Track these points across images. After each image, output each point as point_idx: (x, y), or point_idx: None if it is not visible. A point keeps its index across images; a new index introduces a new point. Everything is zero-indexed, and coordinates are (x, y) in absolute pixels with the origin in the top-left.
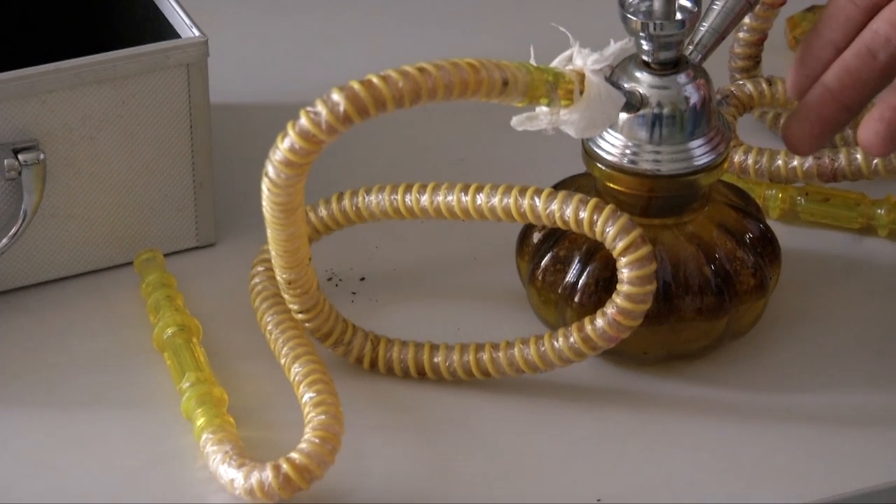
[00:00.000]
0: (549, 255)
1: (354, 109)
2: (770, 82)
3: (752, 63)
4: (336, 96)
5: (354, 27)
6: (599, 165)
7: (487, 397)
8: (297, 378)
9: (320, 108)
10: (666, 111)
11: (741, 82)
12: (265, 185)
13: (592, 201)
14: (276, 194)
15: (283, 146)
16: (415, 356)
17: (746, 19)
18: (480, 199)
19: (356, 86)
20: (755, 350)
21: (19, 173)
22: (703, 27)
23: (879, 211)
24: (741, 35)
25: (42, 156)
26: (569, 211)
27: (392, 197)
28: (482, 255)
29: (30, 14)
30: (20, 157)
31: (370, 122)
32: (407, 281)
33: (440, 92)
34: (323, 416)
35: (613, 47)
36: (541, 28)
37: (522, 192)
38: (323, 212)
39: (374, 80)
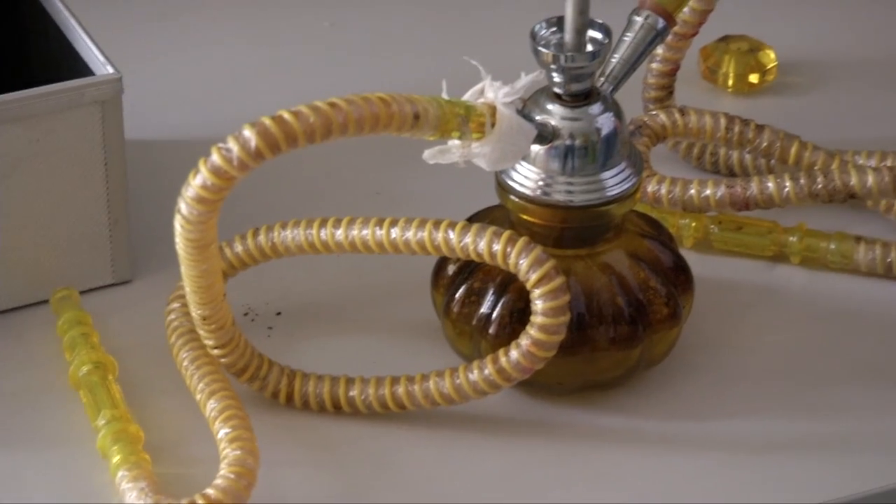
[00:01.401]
0: (463, 287)
1: (266, 145)
2: (683, 112)
3: (665, 93)
4: (247, 132)
5: (268, 63)
6: (512, 197)
7: (404, 430)
8: (212, 414)
9: (232, 144)
10: (578, 143)
11: (654, 113)
12: (178, 222)
13: (506, 233)
14: (189, 231)
15: (195, 183)
16: (330, 390)
17: (659, 50)
18: (395, 232)
19: (267, 122)
20: (670, 378)
21: None
22: (615, 59)
23: (791, 238)
24: (654, 66)
25: None
26: (482, 243)
27: (307, 232)
28: (398, 287)
29: None
30: None
31: (288, 156)
32: (323, 315)
33: (351, 127)
34: (238, 452)
35: (524, 80)
36: (453, 61)
37: (437, 225)
38: (239, 247)
39: (286, 115)
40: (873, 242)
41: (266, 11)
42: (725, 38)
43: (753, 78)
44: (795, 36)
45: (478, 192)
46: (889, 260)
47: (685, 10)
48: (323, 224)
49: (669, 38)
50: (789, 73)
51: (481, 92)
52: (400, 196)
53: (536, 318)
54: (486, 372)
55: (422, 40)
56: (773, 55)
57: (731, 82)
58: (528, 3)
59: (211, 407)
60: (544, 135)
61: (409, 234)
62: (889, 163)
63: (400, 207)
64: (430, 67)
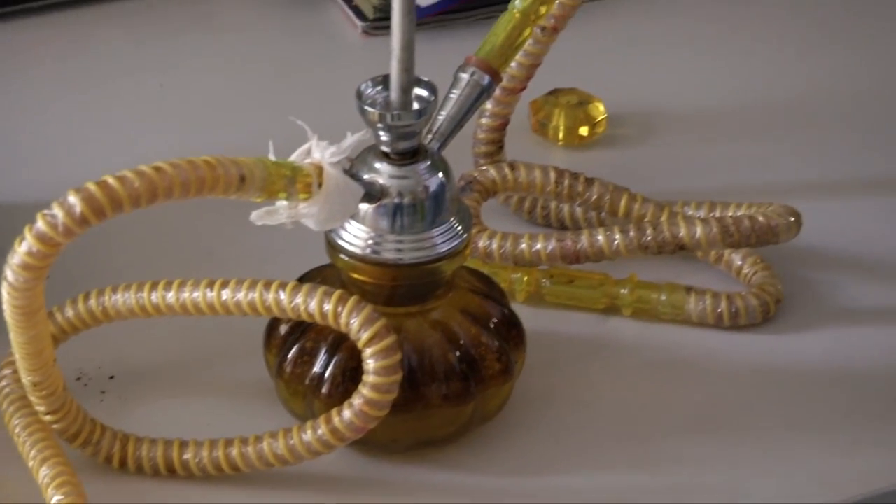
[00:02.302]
0: (295, 347)
1: (91, 211)
2: (513, 167)
3: (495, 148)
4: (72, 198)
5: (99, 124)
6: (342, 256)
7: (238, 492)
8: (45, 481)
9: (56, 210)
10: (406, 201)
11: (484, 168)
12: (4, 289)
13: (336, 293)
14: (16, 298)
15: (21, 250)
16: (164, 453)
17: (488, 105)
18: (226, 294)
19: (92, 187)
20: (504, 433)
21: None
22: (442, 116)
23: (623, 291)
24: (483, 120)
25: None
26: (313, 303)
27: (139, 295)
28: (231, 349)
29: None
30: None
31: (119, 217)
32: (156, 378)
33: (177, 191)
34: None
35: (351, 139)
36: (281, 122)
37: (267, 286)
38: (70, 312)
39: (110, 180)
40: (703, 293)
41: (96, 72)
42: (555, 92)
43: (583, 130)
44: (624, 88)
45: (309, 250)
46: (719, 310)
47: (513, 64)
48: (154, 287)
49: (498, 92)
50: (619, 126)
51: (308, 152)
52: (232, 256)
53: (368, 378)
54: (320, 432)
55: (250, 100)
56: (602, 108)
57: (561, 135)
58: (354, 62)
59: (43, 474)
60: (372, 193)
61: (241, 296)
62: (717, 213)
63: (232, 267)
64: (259, 128)
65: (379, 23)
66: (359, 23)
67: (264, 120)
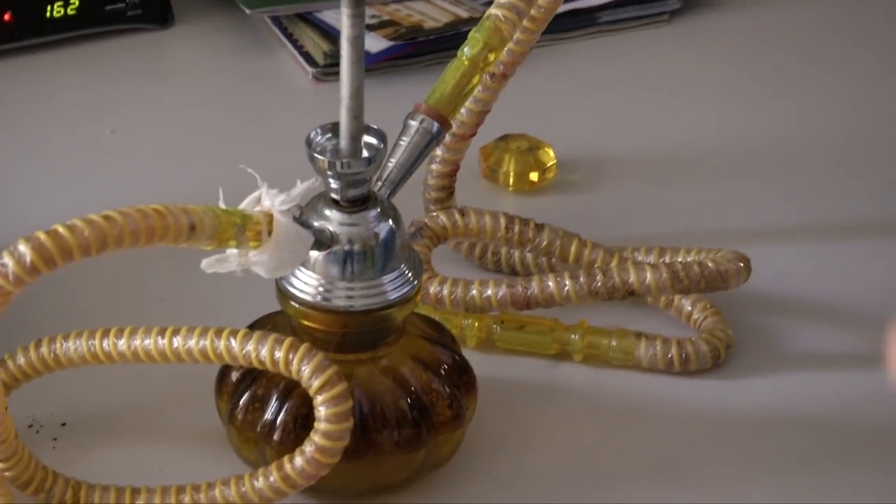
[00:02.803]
0: (247, 393)
1: (41, 260)
2: (463, 213)
3: (445, 194)
4: (22, 247)
5: (50, 170)
6: (293, 303)
7: None
8: None
9: (6, 259)
10: (357, 248)
11: (434, 214)
12: None
13: (287, 341)
14: None
15: None
16: (116, 500)
17: (438, 151)
18: (178, 341)
19: (42, 236)
20: (456, 479)
21: None
22: (391, 163)
23: (573, 336)
24: (434, 167)
25: None
26: (264, 351)
27: (90, 343)
28: (183, 395)
29: None
30: None
31: (73, 265)
32: (109, 424)
33: (127, 239)
34: None
35: (300, 187)
36: (231, 168)
37: (218, 333)
38: (21, 360)
39: (60, 229)
40: (654, 338)
41: (46, 117)
42: (505, 137)
43: (534, 176)
44: (573, 133)
45: (260, 297)
46: (670, 355)
47: (462, 111)
48: (105, 335)
49: (448, 139)
50: (569, 171)
51: (258, 200)
52: (183, 303)
53: (320, 425)
54: (272, 479)
55: (202, 146)
56: (551, 153)
57: (511, 181)
58: (305, 108)
59: None
60: (322, 241)
61: (192, 343)
62: (667, 259)
63: (183, 315)
64: (211, 173)
65: (329, 69)
66: (309, 68)
67: (216, 165)
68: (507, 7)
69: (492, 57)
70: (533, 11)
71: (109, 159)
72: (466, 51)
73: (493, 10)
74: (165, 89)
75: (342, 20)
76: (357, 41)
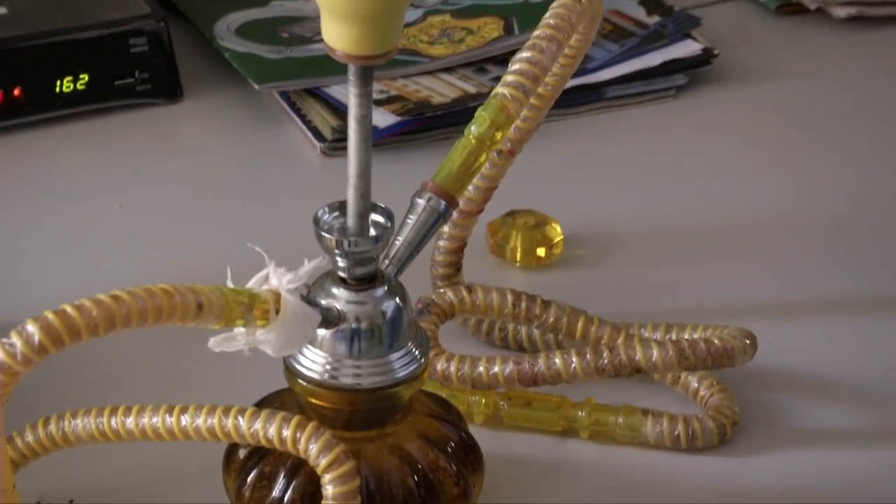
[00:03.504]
0: (254, 471)
1: (49, 340)
2: (470, 290)
3: (453, 270)
4: (31, 327)
5: (59, 244)
6: (301, 381)
7: None
8: None
9: (15, 339)
10: (364, 326)
11: (442, 290)
12: None
13: (295, 419)
14: None
15: None
16: None
17: (446, 227)
18: (185, 420)
19: (50, 316)
20: None
21: None
22: (398, 241)
23: (580, 413)
24: (441, 243)
25: None
26: (272, 430)
27: (98, 420)
28: (191, 473)
29: None
30: None
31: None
32: (116, 501)
33: (135, 319)
34: None
35: (308, 266)
36: (239, 243)
37: (226, 411)
38: (29, 437)
39: (69, 309)
40: (660, 415)
41: (55, 192)
42: (512, 213)
43: (541, 252)
44: (580, 209)
45: (268, 374)
46: (676, 433)
47: (469, 187)
48: (113, 412)
49: (455, 215)
50: (575, 247)
51: (266, 279)
52: (192, 381)
53: (328, 503)
54: None
55: (210, 221)
56: (559, 229)
57: (518, 257)
58: (313, 183)
59: None
60: (330, 319)
61: (200, 421)
62: (673, 336)
63: (192, 392)
64: (219, 248)
65: (337, 143)
66: (317, 143)
67: (224, 240)
68: (513, 86)
69: (499, 135)
70: (540, 89)
71: (118, 234)
72: (473, 129)
73: (499, 89)
74: (174, 164)
75: (349, 99)
76: (364, 120)
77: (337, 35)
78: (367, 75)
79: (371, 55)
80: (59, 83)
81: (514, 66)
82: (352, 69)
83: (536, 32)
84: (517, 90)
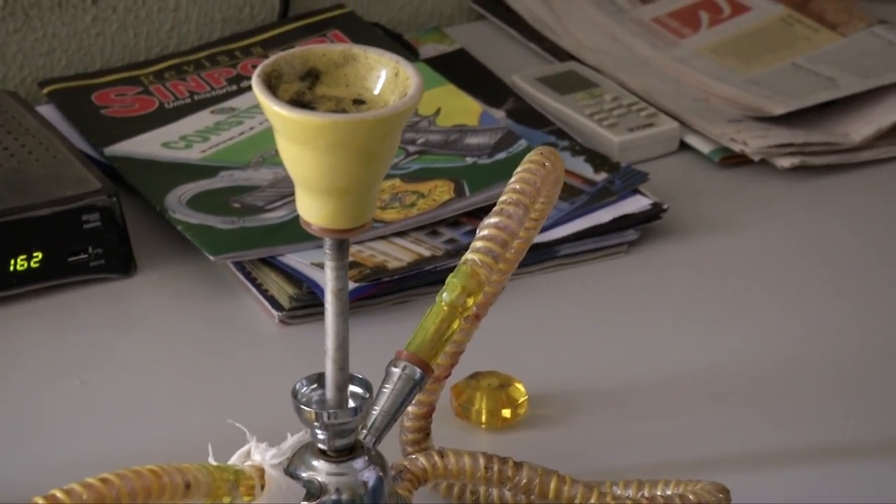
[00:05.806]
0: None
1: None
2: (442, 454)
3: (422, 436)
4: None
5: (21, 424)
6: None
7: None
8: None
9: None
10: (345, 497)
11: (414, 457)
12: None
13: None
14: None
15: None
16: None
17: None
18: None
19: (40, 501)
20: None
21: None
22: (375, 410)
23: None
24: (410, 409)
25: None
26: None
27: None
28: None
29: None
30: None
31: None
32: None
33: (124, 500)
34: None
35: (291, 440)
36: (201, 417)
37: None
38: None
39: (58, 494)
40: None
41: (15, 371)
42: (475, 375)
43: (506, 413)
44: (542, 367)
45: None
46: None
47: None
48: None
49: None
50: (541, 406)
51: (248, 454)
52: None
53: None
54: None
55: (172, 394)
56: (522, 389)
57: (484, 418)
58: (273, 352)
59: None
60: (312, 491)
61: None
62: (646, 492)
63: None
64: (181, 422)
65: (295, 311)
66: (275, 312)
67: (189, 414)
68: (483, 252)
69: (470, 301)
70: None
71: (82, 412)
72: (445, 296)
73: (469, 255)
74: (132, 338)
75: (326, 273)
76: (341, 293)
77: (312, 209)
78: (343, 248)
79: (347, 228)
80: (12, 262)
81: (483, 231)
82: (328, 243)
83: (503, 197)
84: (487, 255)
